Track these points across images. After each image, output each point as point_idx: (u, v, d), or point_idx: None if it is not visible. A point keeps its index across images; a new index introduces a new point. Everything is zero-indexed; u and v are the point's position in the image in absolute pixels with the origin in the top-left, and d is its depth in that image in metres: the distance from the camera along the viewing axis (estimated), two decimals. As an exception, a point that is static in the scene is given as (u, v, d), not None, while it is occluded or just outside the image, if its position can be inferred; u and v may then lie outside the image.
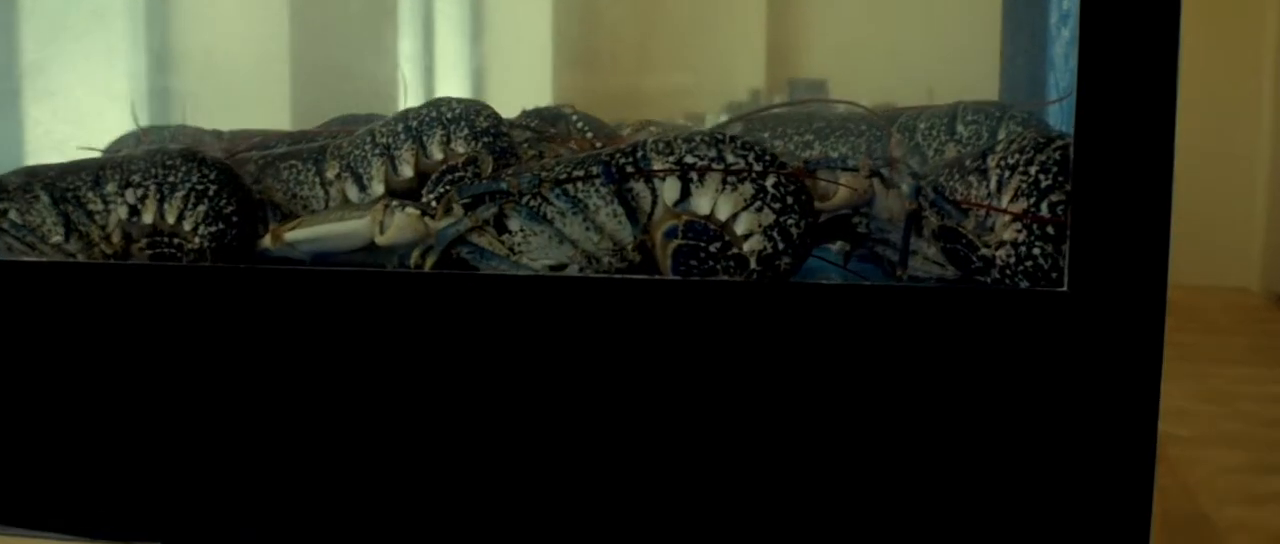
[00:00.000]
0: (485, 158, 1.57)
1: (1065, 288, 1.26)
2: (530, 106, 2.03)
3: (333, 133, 1.90)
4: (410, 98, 2.24)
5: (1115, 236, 1.26)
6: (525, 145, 1.73)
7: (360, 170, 1.67)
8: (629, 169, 1.43)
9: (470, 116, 1.65)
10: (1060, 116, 1.92)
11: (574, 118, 1.90)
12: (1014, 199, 1.37)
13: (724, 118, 2.10)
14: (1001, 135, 1.73)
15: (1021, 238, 1.36)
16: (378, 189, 1.65)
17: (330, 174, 1.68)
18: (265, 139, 1.95)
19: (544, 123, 1.89)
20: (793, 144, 1.94)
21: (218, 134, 2.02)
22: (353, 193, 1.67)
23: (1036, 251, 1.35)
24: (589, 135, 1.85)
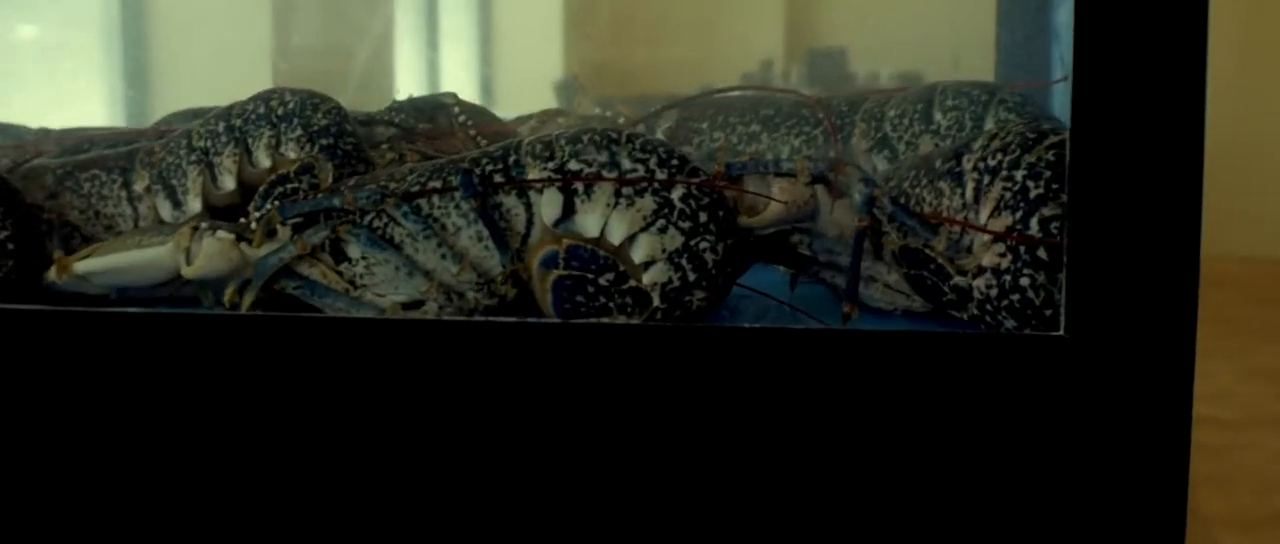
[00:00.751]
0: (323, 165, 1.43)
1: (1062, 331, 1.14)
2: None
3: (159, 133, 1.72)
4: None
5: (1127, 263, 1.12)
6: (385, 146, 1.58)
7: (174, 181, 1.54)
8: (497, 178, 1.31)
9: (305, 113, 1.52)
10: (1065, 100, 1.74)
11: (456, 109, 1.72)
12: (995, 213, 1.25)
13: (718, 89, 1.98)
14: (988, 125, 1.62)
15: (1005, 263, 1.23)
16: (194, 205, 1.53)
17: (139, 187, 1.55)
18: (80, 140, 1.76)
19: (417, 115, 1.71)
20: (736, 136, 1.78)
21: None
22: (166, 210, 1.55)
23: (1025, 282, 1.22)
24: (473, 132, 1.67)
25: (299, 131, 1.52)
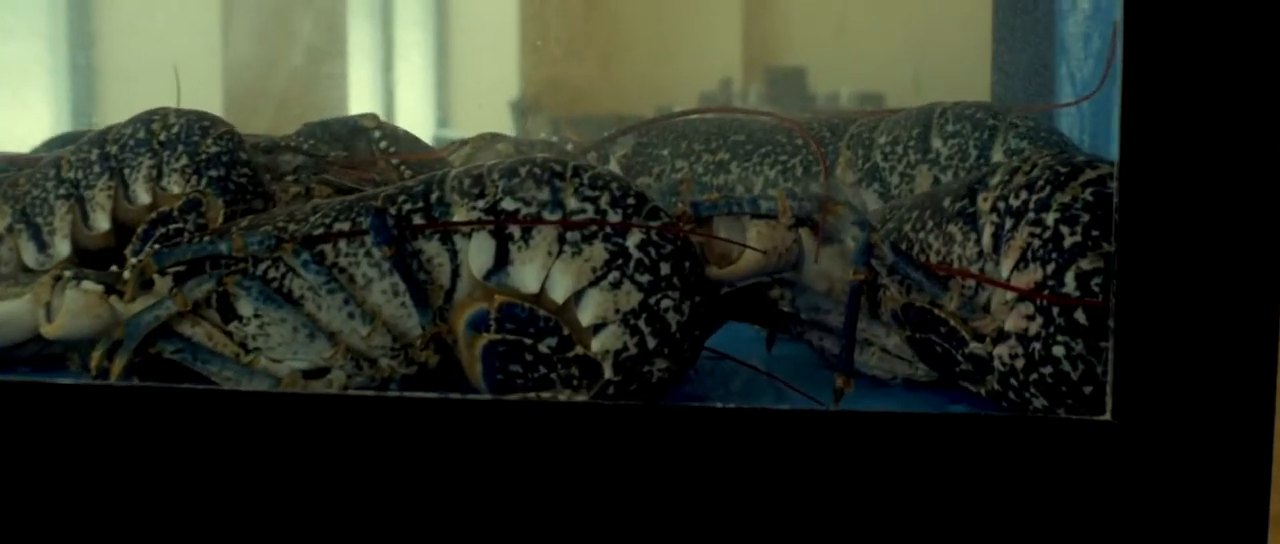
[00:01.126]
0: (211, 201, 1.37)
1: (1108, 415, 1.06)
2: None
3: (34, 160, 1.62)
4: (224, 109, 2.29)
5: (1189, 331, 1.03)
6: (291, 178, 1.49)
7: (39, 219, 1.48)
8: (416, 219, 1.25)
9: (192, 138, 1.45)
10: (1080, 124, 1.75)
11: (376, 133, 1.62)
12: (1021, 265, 1.17)
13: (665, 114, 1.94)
14: (996, 155, 1.56)
15: (1033, 328, 1.15)
16: (62, 248, 1.47)
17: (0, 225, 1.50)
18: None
19: (330, 140, 1.61)
20: (701, 165, 1.71)
21: None
22: (29, 253, 1.48)
23: (1058, 352, 1.14)
24: (396, 160, 1.59)
25: (184, 161, 1.44)
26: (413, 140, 1.67)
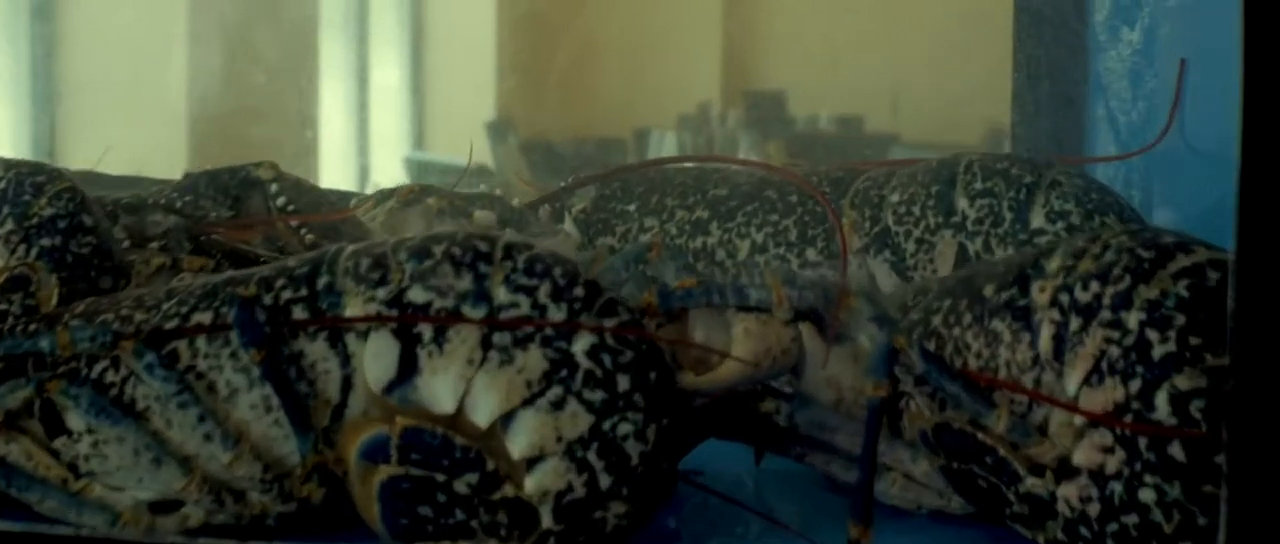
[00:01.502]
0: (43, 278, 1.21)
1: None
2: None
3: None
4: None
5: None
6: (157, 246, 1.31)
7: None
8: (295, 312, 1.10)
9: (21, 197, 1.32)
10: (1126, 178, 1.59)
11: (272, 187, 1.43)
12: (1093, 380, 1.01)
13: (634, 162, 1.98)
14: (1036, 219, 1.44)
15: (1113, 464, 1.00)
16: None
17: None
18: None
19: (217, 196, 1.43)
20: (675, 225, 1.56)
21: None
22: None
23: (1147, 496, 0.98)
24: (296, 223, 1.39)
25: (9, 225, 1.31)
26: (318, 195, 1.50)
